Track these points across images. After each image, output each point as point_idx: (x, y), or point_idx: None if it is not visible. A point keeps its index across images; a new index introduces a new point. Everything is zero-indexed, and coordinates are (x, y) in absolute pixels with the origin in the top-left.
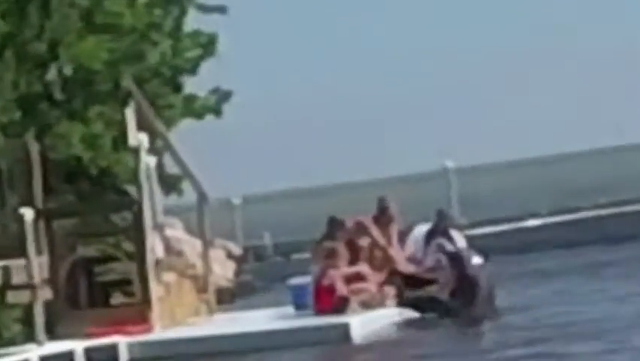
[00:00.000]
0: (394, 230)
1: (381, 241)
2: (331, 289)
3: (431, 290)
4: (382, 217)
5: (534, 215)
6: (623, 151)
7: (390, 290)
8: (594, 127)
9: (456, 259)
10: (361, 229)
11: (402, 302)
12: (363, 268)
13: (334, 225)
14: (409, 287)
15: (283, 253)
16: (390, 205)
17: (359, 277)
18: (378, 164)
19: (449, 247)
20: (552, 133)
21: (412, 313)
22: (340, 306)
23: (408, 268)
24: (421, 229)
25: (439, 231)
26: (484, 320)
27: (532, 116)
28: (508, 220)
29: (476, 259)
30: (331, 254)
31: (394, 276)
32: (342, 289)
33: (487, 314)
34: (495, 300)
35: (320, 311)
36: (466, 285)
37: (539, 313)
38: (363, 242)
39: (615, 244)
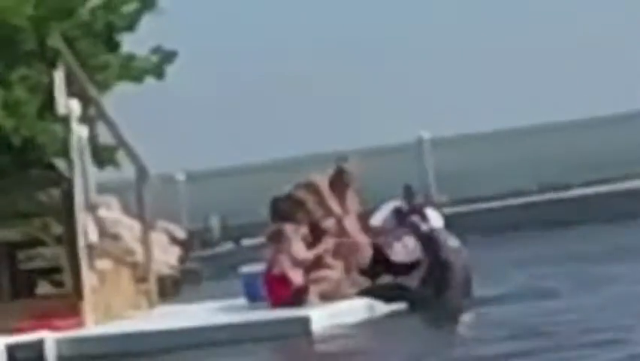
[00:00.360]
0: (352, 197)
1: (336, 209)
2: (283, 279)
3: (400, 278)
4: (339, 180)
5: (522, 192)
6: (622, 121)
7: (356, 278)
8: (588, 95)
9: (429, 241)
10: (314, 191)
11: (367, 291)
12: (325, 249)
13: (289, 205)
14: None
15: (234, 237)
16: (350, 167)
17: (320, 264)
18: (345, 135)
19: (423, 227)
20: (542, 101)
21: (381, 305)
22: (296, 298)
23: (360, 237)
24: (390, 206)
25: (411, 209)
26: (458, 311)
27: (521, 82)
28: (493, 198)
29: (452, 242)
30: (277, 237)
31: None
32: (295, 277)
33: (463, 305)
34: (472, 288)
35: (275, 304)
36: (438, 271)
37: (524, 304)
38: (329, 223)
39: (614, 225)
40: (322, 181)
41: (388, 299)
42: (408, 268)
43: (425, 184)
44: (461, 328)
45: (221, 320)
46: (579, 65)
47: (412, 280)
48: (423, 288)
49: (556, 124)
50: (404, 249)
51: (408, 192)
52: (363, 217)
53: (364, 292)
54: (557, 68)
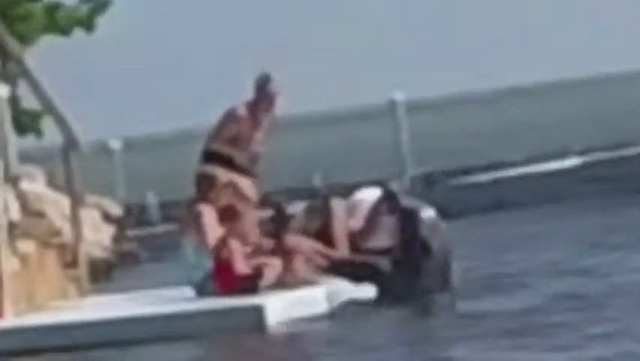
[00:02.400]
0: (274, 120)
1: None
2: (232, 264)
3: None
4: (261, 100)
5: (513, 163)
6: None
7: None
8: (590, 51)
9: (409, 217)
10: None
11: (334, 267)
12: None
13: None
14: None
15: (176, 214)
16: (275, 84)
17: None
18: (307, 97)
19: (404, 200)
20: (536, 57)
21: (346, 292)
22: (248, 284)
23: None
24: (370, 196)
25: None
26: (435, 297)
27: (510, 37)
28: (479, 170)
29: (428, 212)
30: (231, 214)
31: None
32: (241, 266)
33: (441, 291)
34: (452, 272)
35: (223, 291)
36: (414, 251)
37: (512, 293)
38: (336, 222)
39: (623, 202)
40: (239, 107)
41: (357, 279)
42: (382, 251)
43: (399, 154)
44: (437, 319)
45: (161, 310)
46: (572, 21)
47: (386, 262)
48: (396, 271)
49: (556, 83)
50: (382, 233)
51: (389, 196)
52: (357, 236)
53: (331, 269)
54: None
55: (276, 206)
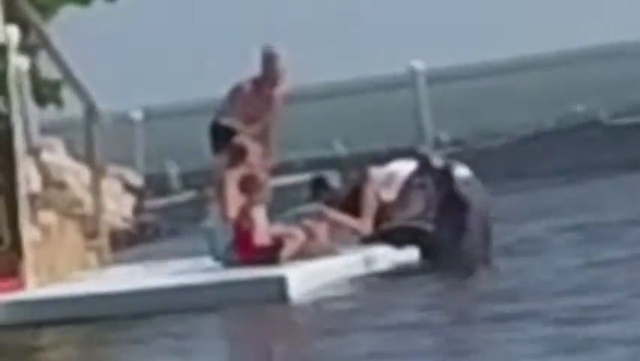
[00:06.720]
0: (283, 95)
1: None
2: (251, 236)
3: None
4: (267, 76)
5: (536, 128)
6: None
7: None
8: (601, 21)
9: (443, 177)
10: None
11: (375, 235)
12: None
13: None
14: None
15: (197, 184)
16: (281, 58)
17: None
18: (327, 67)
19: (435, 160)
20: (552, 27)
21: (388, 258)
22: (269, 254)
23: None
24: (404, 168)
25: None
26: (476, 260)
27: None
28: (501, 135)
29: (462, 171)
30: (251, 183)
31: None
32: (261, 237)
33: (481, 253)
34: (491, 232)
35: (244, 262)
36: (453, 210)
37: (548, 256)
38: (369, 189)
39: None
40: (245, 83)
41: (399, 243)
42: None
43: (420, 124)
44: (479, 285)
45: (181, 282)
46: None
47: (427, 223)
48: (438, 229)
49: (574, 52)
50: (414, 204)
51: (420, 159)
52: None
53: (372, 237)
54: None
55: (318, 178)
